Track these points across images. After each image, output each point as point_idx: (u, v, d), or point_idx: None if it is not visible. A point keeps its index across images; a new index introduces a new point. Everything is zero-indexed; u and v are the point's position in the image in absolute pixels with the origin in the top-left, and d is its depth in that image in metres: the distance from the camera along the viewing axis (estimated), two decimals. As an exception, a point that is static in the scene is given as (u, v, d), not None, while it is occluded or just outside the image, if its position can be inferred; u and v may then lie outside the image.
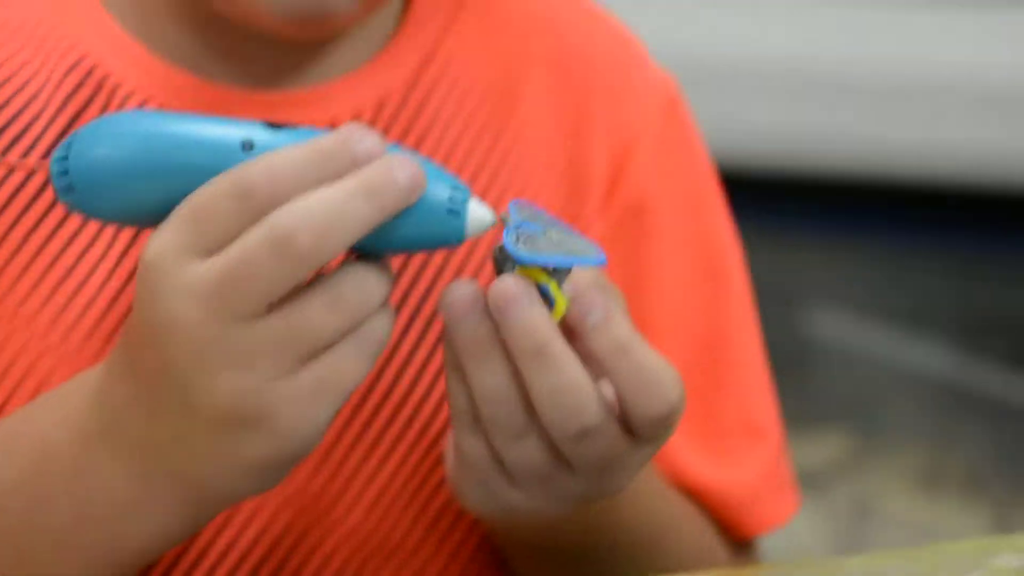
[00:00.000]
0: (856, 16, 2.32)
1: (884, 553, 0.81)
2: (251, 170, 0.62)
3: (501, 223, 0.66)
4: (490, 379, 0.66)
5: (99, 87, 0.82)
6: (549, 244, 0.66)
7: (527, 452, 0.68)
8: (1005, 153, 2.19)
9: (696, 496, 0.90)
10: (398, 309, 0.82)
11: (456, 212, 0.65)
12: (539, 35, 0.91)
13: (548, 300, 0.65)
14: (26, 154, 0.80)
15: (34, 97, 0.81)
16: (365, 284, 0.63)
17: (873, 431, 2.34)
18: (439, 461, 0.82)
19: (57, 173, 0.66)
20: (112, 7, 0.83)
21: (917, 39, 2.29)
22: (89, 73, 0.82)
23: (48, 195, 0.80)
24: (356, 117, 0.83)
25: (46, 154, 0.80)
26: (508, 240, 0.65)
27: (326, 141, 0.63)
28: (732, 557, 0.91)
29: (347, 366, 0.63)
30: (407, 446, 0.82)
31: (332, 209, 0.61)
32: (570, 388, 0.65)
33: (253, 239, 0.61)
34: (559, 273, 0.66)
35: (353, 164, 0.63)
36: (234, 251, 0.61)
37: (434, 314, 0.83)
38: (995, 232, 2.28)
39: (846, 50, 2.30)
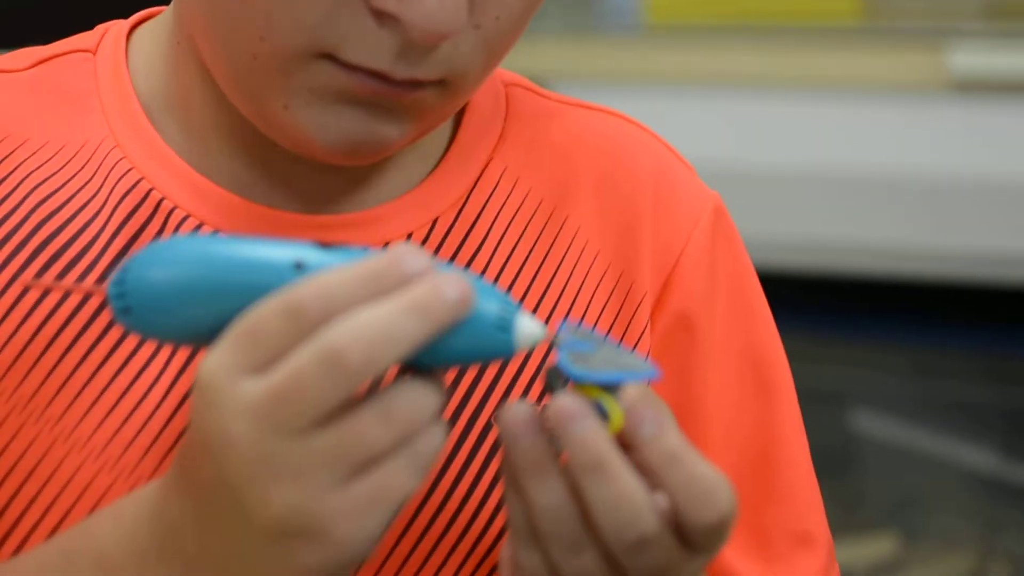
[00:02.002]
0: (893, 115, 2.34)
1: None
2: (303, 290, 0.62)
3: (550, 340, 0.67)
4: (548, 495, 0.67)
5: (155, 210, 0.82)
6: (601, 361, 0.66)
7: (585, 565, 0.68)
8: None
9: None
10: (454, 418, 0.82)
11: (505, 327, 0.65)
12: (587, 149, 0.91)
13: (603, 415, 0.66)
14: (85, 274, 0.81)
15: (93, 218, 0.82)
16: (417, 398, 0.64)
17: (918, 532, 2.32)
18: (495, 567, 0.82)
19: (115, 295, 0.66)
20: (166, 133, 0.85)
21: (949, 139, 2.30)
22: (146, 196, 0.83)
23: (104, 317, 0.80)
24: (409, 238, 0.84)
25: (104, 274, 0.81)
26: (563, 359, 0.66)
27: (377, 261, 0.63)
28: None
29: (399, 479, 0.63)
30: (464, 553, 0.82)
31: (382, 326, 0.62)
32: (627, 499, 0.65)
33: (304, 356, 0.62)
34: (612, 389, 0.66)
35: (403, 282, 0.63)
36: (285, 368, 0.62)
37: (489, 424, 0.83)
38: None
39: (886, 152, 2.30)
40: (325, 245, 0.66)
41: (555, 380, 0.67)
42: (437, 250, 0.85)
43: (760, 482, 0.91)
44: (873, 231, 2.23)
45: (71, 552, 0.72)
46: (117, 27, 0.88)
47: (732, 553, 0.89)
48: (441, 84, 0.76)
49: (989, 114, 2.29)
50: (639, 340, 0.88)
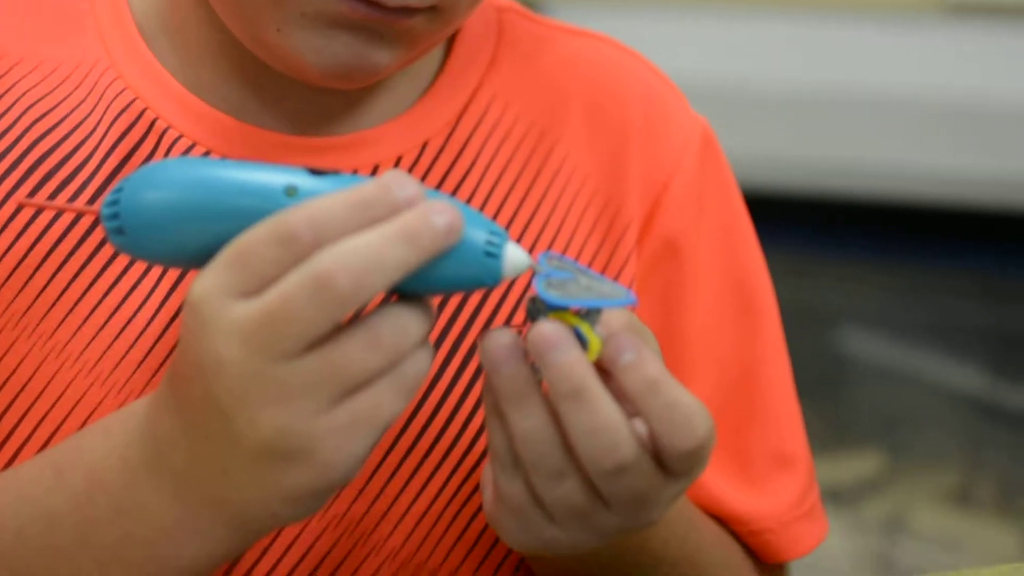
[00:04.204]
0: (887, 37, 2.34)
1: None
2: (293, 216, 0.63)
3: (532, 272, 0.67)
4: (529, 422, 0.67)
5: (149, 129, 0.83)
6: (579, 289, 0.67)
7: (565, 491, 0.69)
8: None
9: (728, 522, 0.91)
10: (439, 342, 0.83)
11: (493, 255, 0.66)
12: (578, 75, 0.92)
13: (583, 342, 0.66)
14: (78, 193, 0.82)
15: (87, 138, 0.83)
16: (403, 324, 0.64)
17: (905, 449, 2.34)
18: (477, 486, 0.83)
19: (108, 216, 0.67)
20: (160, 54, 0.85)
21: (942, 62, 2.30)
22: (140, 116, 0.84)
23: (96, 236, 0.81)
24: (399, 161, 0.85)
25: (97, 193, 0.82)
26: (539, 287, 0.66)
27: (367, 188, 0.64)
28: None
29: (384, 402, 0.64)
30: (446, 472, 0.83)
31: (371, 253, 0.62)
32: (606, 426, 0.66)
33: (293, 281, 0.62)
34: (591, 316, 0.67)
35: (393, 210, 0.64)
36: (275, 292, 0.62)
37: (474, 347, 0.84)
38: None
39: (877, 73, 2.31)
40: (316, 171, 0.67)
41: (536, 309, 0.68)
42: (427, 172, 0.86)
43: (742, 403, 0.93)
44: (867, 152, 2.23)
45: (61, 466, 0.73)
46: None
47: (713, 475, 0.90)
48: (433, 11, 0.77)
49: (982, 36, 2.29)
50: (624, 265, 0.89)
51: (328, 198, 0.63)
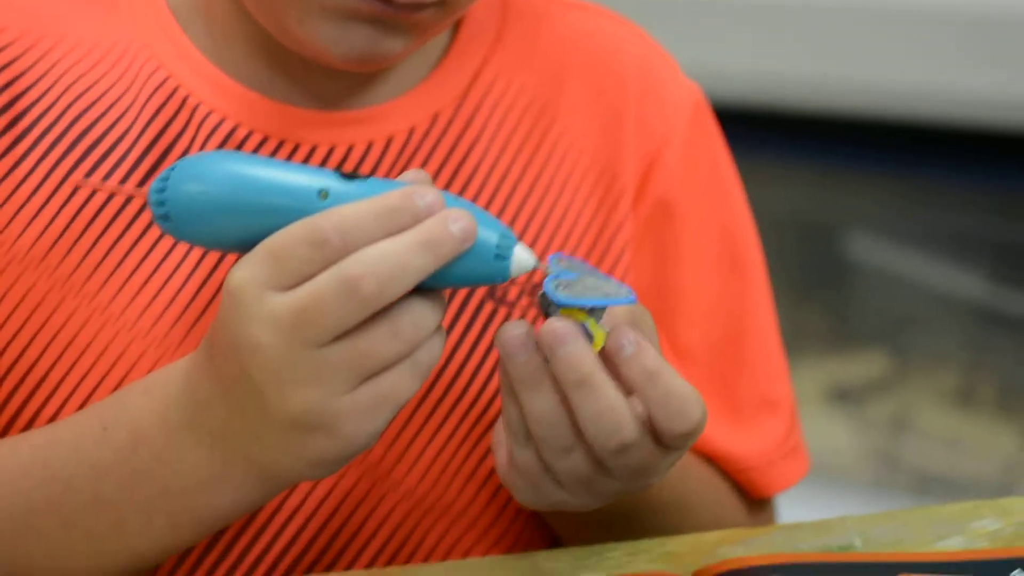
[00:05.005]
0: None
1: (878, 515, 0.88)
2: (326, 221, 0.68)
3: (542, 271, 0.73)
4: (540, 404, 0.73)
5: (182, 105, 0.88)
6: (585, 288, 0.73)
7: (573, 463, 0.75)
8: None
9: (718, 461, 0.97)
10: (449, 298, 0.88)
11: (503, 256, 0.71)
12: (575, 49, 0.96)
13: (588, 336, 0.72)
14: (116, 167, 0.87)
15: (123, 114, 0.88)
16: (421, 315, 0.70)
17: (910, 350, 2.35)
18: (489, 428, 0.89)
19: (155, 202, 0.72)
20: (191, 33, 0.90)
21: None
22: (173, 93, 0.88)
23: (136, 204, 0.86)
24: (410, 133, 0.90)
25: (134, 167, 0.87)
26: (549, 287, 0.72)
27: (392, 197, 0.69)
28: (748, 515, 0.99)
29: (402, 384, 0.70)
30: (460, 415, 0.89)
31: (395, 260, 0.68)
32: (610, 411, 0.72)
33: (325, 282, 0.68)
34: (596, 312, 0.73)
35: (415, 218, 0.69)
36: (308, 289, 0.68)
37: (481, 302, 0.89)
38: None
39: None
40: (347, 175, 0.71)
41: (547, 306, 0.73)
42: (437, 143, 0.90)
43: (730, 351, 0.98)
44: (878, 68, 2.21)
45: (108, 422, 0.78)
46: None
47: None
48: (441, 3, 0.82)
49: None
50: (619, 229, 0.94)
51: (357, 205, 0.69)
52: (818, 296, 2.40)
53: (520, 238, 0.89)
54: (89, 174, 0.87)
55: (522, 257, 0.72)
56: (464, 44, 0.94)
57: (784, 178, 2.36)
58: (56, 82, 0.88)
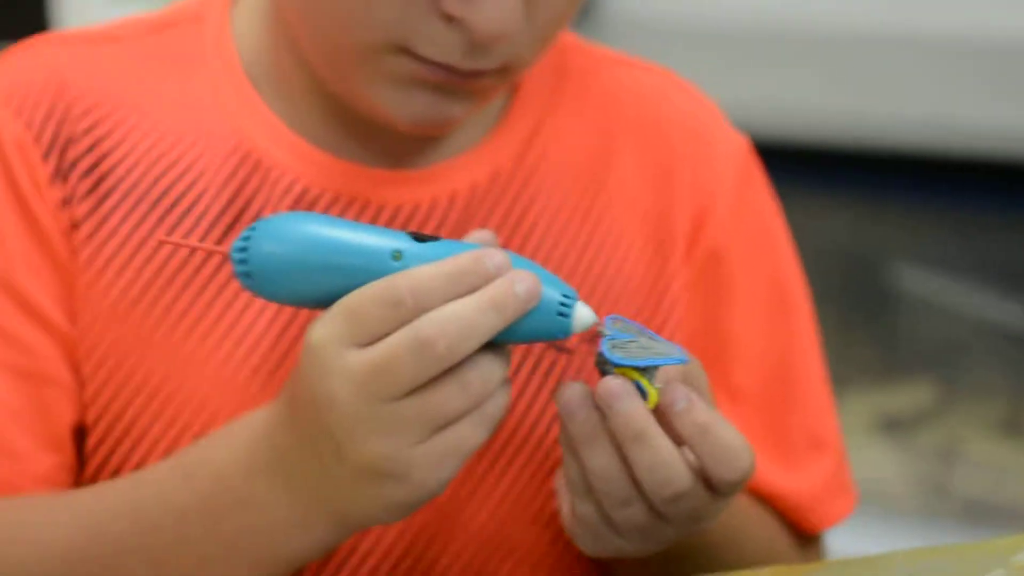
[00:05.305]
0: None
1: (925, 550, 0.90)
2: (401, 283, 0.72)
3: (599, 332, 0.77)
4: (599, 460, 0.77)
5: (256, 166, 0.91)
6: (639, 349, 0.76)
7: (631, 513, 0.78)
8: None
9: (768, 500, 1.00)
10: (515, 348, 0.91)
11: (565, 315, 0.75)
12: (627, 105, 0.99)
13: (642, 393, 0.76)
14: (196, 224, 0.90)
15: (201, 175, 0.91)
16: (488, 371, 0.73)
17: (956, 380, 2.36)
18: (552, 471, 0.92)
19: (237, 260, 0.76)
20: (265, 95, 0.93)
21: (995, 6, 2.26)
22: (247, 155, 0.91)
23: (214, 259, 0.90)
24: (472, 190, 0.93)
25: (212, 226, 0.90)
26: (606, 349, 0.76)
27: (462, 260, 0.73)
28: (798, 551, 1.01)
29: (470, 435, 0.74)
30: (525, 457, 0.92)
31: (465, 321, 0.72)
32: (665, 463, 0.76)
33: (399, 340, 0.71)
34: (649, 371, 0.76)
35: (484, 279, 0.73)
36: (383, 348, 0.72)
37: (544, 352, 0.93)
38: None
39: (939, 24, 2.28)
40: (419, 237, 0.75)
41: (603, 365, 0.77)
42: (498, 199, 0.94)
43: (780, 393, 1.01)
44: (924, 104, 2.22)
45: (190, 467, 0.82)
46: None
47: (756, 454, 1.00)
48: (501, 70, 0.85)
49: None
50: (673, 278, 0.97)
51: (429, 268, 0.73)
52: (865, 327, 2.41)
53: (579, 292, 0.92)
54: (171, 231, 0.90)
55: (583, 315, 0.75)
56: (521, 103, 0.97)
57: (830, 211, 2.37)
58: (137, 144, 0.92)
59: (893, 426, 2.39)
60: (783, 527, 1.01)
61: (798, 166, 2.29)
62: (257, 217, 0.91)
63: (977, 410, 2.35)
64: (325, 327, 0.73)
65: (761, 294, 1.01)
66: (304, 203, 0.91)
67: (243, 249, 0.76)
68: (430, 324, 0.71)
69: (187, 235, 0.90)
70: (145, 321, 0.90)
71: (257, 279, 0.76)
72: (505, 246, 0.93)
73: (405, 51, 0.83)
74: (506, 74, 0.86)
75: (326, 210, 0.91)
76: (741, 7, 2.31)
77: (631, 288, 0.96)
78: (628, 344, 0.77)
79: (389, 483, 0.74)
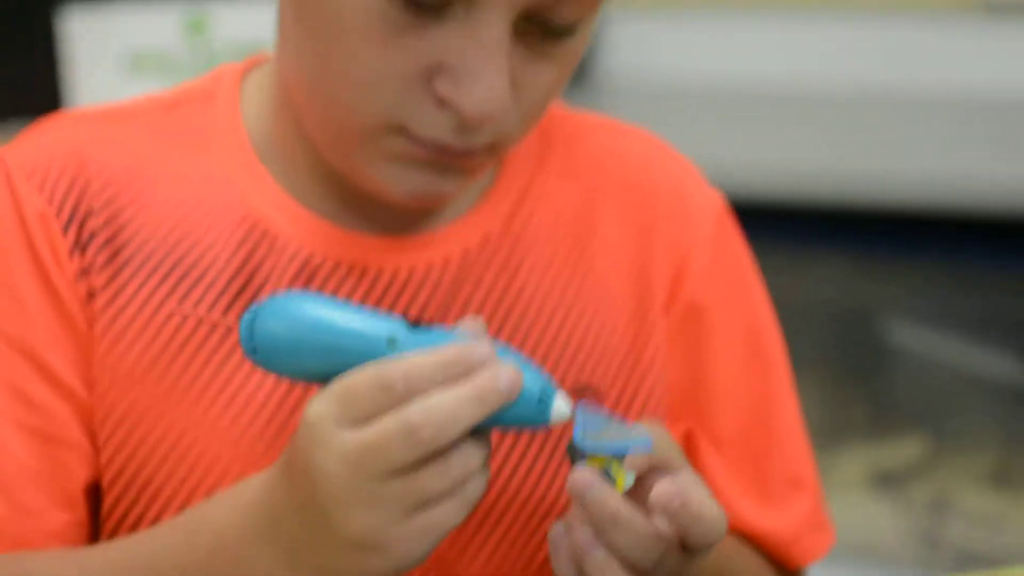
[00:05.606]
0: (925, 36, 2.34)
1: None
2: (393, 369, 0.76)
3: (571, 421, 0.81)
4: (583, 535, 0.82)
5: (263, 236, 0.95)
6: (609, 435, 0.81)
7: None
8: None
9: (751, 538, 1.05)
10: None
11: (544, 405, 0.79)
12: (610, 167, 1.04)
13: (611, 478, 0.80)
14: (206, 292, 0.94)
15: (211, 246, 0.95)
16: (470, 456, 0.78)
17: (948, 433, 2.37)
18: (543, 521, 0.96)
19: (245, 336, 0.80)
20: (271, 168, 0.97)
21: (978, 62, 2.29)
22: (255, 225, 0.96)
23: (222, 326, 0.94)
24: (464, 255, 0.97)
25: (222, 293, 0.94)
26: (577, 436, 0.81)
27: (451, 351, 0.77)
28: None
29: (449, 515, 0.78)
30: (515, 512, 0.96)
31: (450, 411, 0.76)
32: (641, 540, 0.80)
33: (389, 425, 0.76)
34: (620, 456, 0.81)
35: (470, 369, 0.77)
36: (374, 430, 0.76)
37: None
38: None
39: (918, 76, 2.30)
40: (413, 324, 0.80)
41: (575, 452, 0.82)
42: (489, 261, 0.98)
43: (759, 436, 1.06)
44: (912, 159, 2.24)
45: (192, 526, 0.85)
46: (232, 72, 1.01)
47: (738, 498, 1.04)
48: (491, 148, 0.90)
49: (1017, 35, 2.27)
50: (653, 331, 1.01)
51: (421, 357, 0.77)
52: (857, 383, 2.43)
53: (566, 347, 0.97)
54: (182, 300, 0.94)
55: (560, 407, 0.80)
56: (509, 170, 1.01)
57: (822, 268, 2.38)
58: (152, 217, 0.96)
59: (886, 480, 2.40)
60: (767, 564, 1.05)
61: (790, 224, 2.30)
62: (265, 283, 0.95)
63: (968, 463, 2.36)
64: (322, 405, 0.78)
65: (739, 344, 1.06)
66: (309, 269, 0.95)
67: (250, 324, 0.80)
68: (418, 412, 0.76)
69: (198, 302, 0.94)
70: (160, 385, 0.93)
71: (261, 355, 0.80)
72: (497, 305, 0.97)
73: (402, 131, 0.88)
74: (496, 151, 0.91)
75: (329, 275, 0.95)
76: (729, 69, 2.34)
77: (614, 343, 1.00)
78: (599, 431, 0.81)
79: (372, 554, 0.78)
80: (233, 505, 0.84)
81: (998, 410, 2.36)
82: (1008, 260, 2.31)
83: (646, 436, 0.81)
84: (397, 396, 0.77)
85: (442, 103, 0.87)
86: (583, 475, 0.80)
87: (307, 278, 0.95)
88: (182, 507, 0.93)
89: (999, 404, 2.36)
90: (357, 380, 0.77)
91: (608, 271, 1.02)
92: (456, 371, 0.78)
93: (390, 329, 0.80)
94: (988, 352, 2.35)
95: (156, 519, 0.93)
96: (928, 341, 2.38)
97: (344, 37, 0.86)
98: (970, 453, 2.37)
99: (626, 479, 0.81)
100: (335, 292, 0.95)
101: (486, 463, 0.80)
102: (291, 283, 0.95)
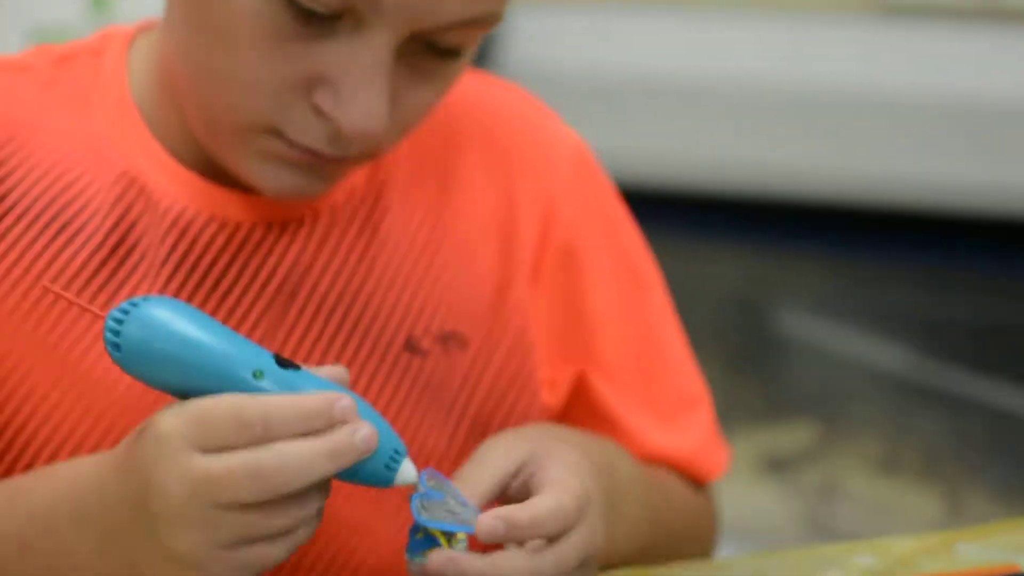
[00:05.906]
0: (824, 37, 2.37)
1: (770, 553, 0.96)
2: (253, 409, 0.76)
3: (414, 488, 0.82)
4: None
5: (140, 192, 0.96)
6: (444, 512, 0.82)
7: None
8: (965, 179, 2.22)
9: (660, 461, 1.07)
10: None
11: (392, 468, 0.80)
12: (471, 112, 1.06)
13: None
14: (83, 246, 0.94)
15: (91, 198, 0.96)
16: (309, 502, 0.78)
17: (838, 421, 2.40)
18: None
19: (110, 330, 0.79)
20: (153, 128, 0.98)
21: (877, 61, 2.32)
22: (132, 181, 0.97)
23: (102, 276, 0.94)
24: (332, 208, 0.99)
25: (97, 249, 0.95)
26: (414, 507, 0.82)
27: (313, 401, 0.77)
28: (702, 499, 1.10)
29: (273, 554, 0.78)
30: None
31: (303, 462, 0.76)
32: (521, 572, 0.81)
33: (239, 463, 0.76)
34: (448, 535, 0.82)
35: (329, 423, 0.77)
36: (224, 463, 0.76)
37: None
38: (952, 247, 2.33)
39: (818, 73, 2.33)
40: (282, 362, 0.80)
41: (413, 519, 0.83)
42: (353, 216, 1.00)
43: (647, 362, 1.08)
44: (814, 154, 2.28)
45: (12, 493, 0.87)
46: (122, 34, 1.02)
47: (641, 425, 1.07)
48: (363, 154, 0.92)
49: (914, 35, 2.31)
50: (517, 275, 1.04)
51: (283, 401, 0.77)
52: (750, 370, 2.47)
53: (429, 295, 0.99)
54: (61, 251, 0.94)
55: (406, 472, 0.81)
56: None
57: (719, 258, 2.40)
58: (35, 168, 0.96)
59: (776, 465, 2.42)
60: (683, 482, 1.09)
61: (687, 213, 2.34)
62: (142, 237, 0.95)
63: (856, 450, 2.39)
64: (176, 420, 0.77)
65: (612, 276, 1.08)
66: (181, 223, 0.96)
67: (118, 322, 0.79)
68: (272, 458, 0.76)
69: (76, 254, 0.94)
70: (33, 336, 0.93)
71: (124, 355, 0.79)
72: (362, 256, 0.99)
73: (277, 134, 0.90)
74: (368, 157, 0.93)
75: (202, 229, 0.96)
76: (630, 62, 2.36)
77: (479, 289, 1.02)
78: (435, 505, 0.82)
79: (188, 571, 0.79)
80: (62, 484, 0.85)
81: (887, 399, 2.38)
82: (900, 254, 2.34)
83: (476, 519, 0.82)
84: (253, 435, 0.77)
85: (319, 112, 0.88)
86: (438, 558, 0.81)
87: (179, 232, 0.96)
88: (52, 457, 0.93)
89: (888, 394, 2.38)
90: (216, 409, 0.77)
91: (471, 217, 1.03)
92: (317, 422, 0.78)
93: (258, 362, 0.79)
94: (879, 343, 2.37)
95: (28, 467, 0.93)
96: (821, 331, 2.41)
97: (230, 38, 0.87)
98: (859, 440, 2.39)
99: (458, 545, 0.83)
100: (207, 246, 0.96)
101: (320, 511, 0.80)
102: (165, 237, 0.96)
